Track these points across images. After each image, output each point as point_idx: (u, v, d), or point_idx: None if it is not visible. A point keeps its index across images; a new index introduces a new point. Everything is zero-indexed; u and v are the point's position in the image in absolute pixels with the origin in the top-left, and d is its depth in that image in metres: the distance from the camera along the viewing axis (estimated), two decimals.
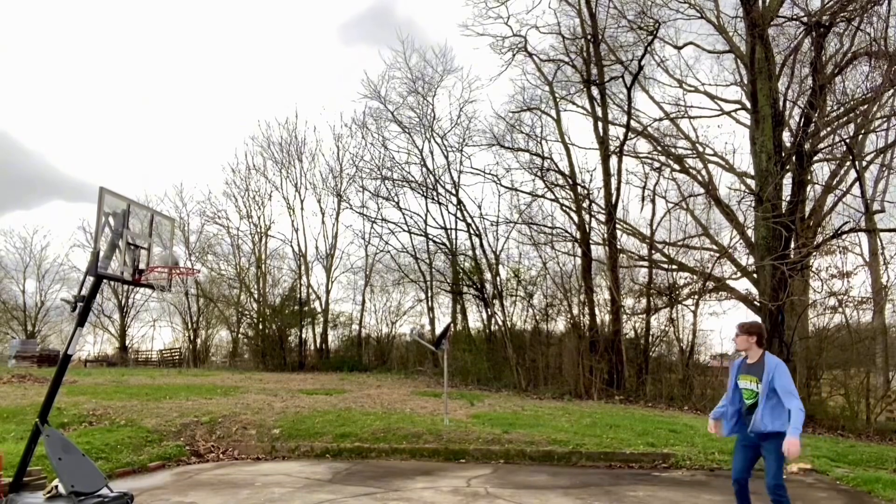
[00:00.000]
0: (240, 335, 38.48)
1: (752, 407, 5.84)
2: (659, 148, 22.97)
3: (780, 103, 18.93)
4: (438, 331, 23.75)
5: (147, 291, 35.32)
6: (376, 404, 14.16)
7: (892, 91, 17.58)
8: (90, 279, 6.21)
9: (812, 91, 17.69)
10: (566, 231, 24.26)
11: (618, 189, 22.53)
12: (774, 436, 5.68)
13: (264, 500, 7.36)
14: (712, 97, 23.25)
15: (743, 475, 5.94)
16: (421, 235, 29.38)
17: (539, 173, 24.45)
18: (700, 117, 23.71)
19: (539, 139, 25.20)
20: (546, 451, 10.13)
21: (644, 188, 23.36)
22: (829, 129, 18.94)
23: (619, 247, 22.44)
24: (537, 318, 26.68)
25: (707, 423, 6.46)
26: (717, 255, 20.75)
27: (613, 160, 22.88)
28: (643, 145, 24.03)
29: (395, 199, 29.17)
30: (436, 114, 28.55)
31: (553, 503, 7.40)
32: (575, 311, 24.10)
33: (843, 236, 18.32)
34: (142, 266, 6.53)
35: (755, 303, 18.76)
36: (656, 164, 23.13)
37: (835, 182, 20.21)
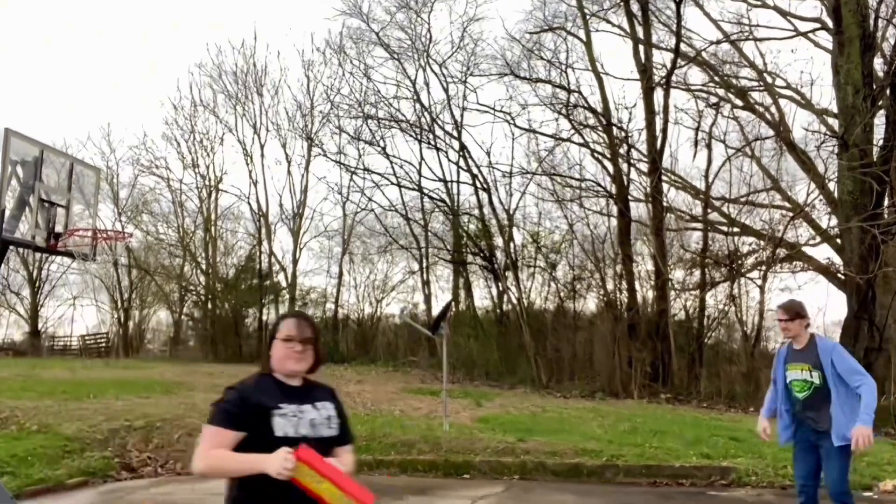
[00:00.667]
0: (183, 316, 38.63)
1: (807, 401, 5.89)
2: (716, 79, 22.80)
3: (871, 21, 18.69)
4: (436, 311, 23.76)
5: (65, 261, 35.41)
6: (357, 404, 14.21)
7: None
8: None
9: None
10: (598, 184, 24.20)
11: (664, 131, 22.47)
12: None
13: None
14: (784, 14, 22.94)
15: (810, 482, 6.02)
16: (414, 190, 29.33)
17: (564, 111, 24.32)
18: (769, 39, 23.36)
19: (564, 67, 25.04)
20: (572, 465, 10.12)
21: (697, 130, 23.32)
22: None
23: (665, 204, 22.36)
24: (561, 294, 26.74)
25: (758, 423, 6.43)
26: (791, 214, 20.68)
27: (658, 94, 22.77)
28: (696, 75, 23.95)
29: (381, 144, 29.08)
30: (432, 35, 28.27)
31: None
32: (609, 286, 24.15)
33: None
34: (59, 229, 6.42)
35: (839, 275, 18.72)
36: (713, 100, 22.99)
37: None
